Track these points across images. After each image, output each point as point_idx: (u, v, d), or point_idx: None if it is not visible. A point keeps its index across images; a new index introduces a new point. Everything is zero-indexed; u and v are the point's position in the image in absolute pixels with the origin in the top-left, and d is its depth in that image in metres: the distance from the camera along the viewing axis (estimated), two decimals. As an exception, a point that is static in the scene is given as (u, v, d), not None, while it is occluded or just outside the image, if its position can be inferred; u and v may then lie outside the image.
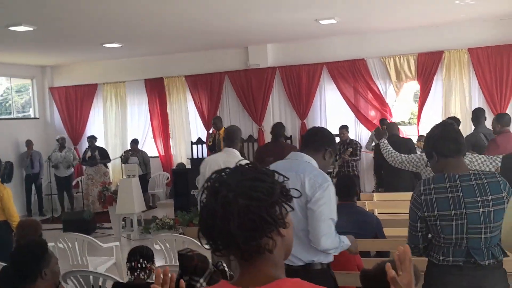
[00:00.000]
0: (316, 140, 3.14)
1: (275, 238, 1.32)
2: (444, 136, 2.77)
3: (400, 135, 8.05)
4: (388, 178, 7.46)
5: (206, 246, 1.37)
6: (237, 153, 5.19)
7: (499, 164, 4.03)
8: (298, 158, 3.04)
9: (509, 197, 2.61)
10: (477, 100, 10.30)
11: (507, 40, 9.87)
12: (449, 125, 2.86)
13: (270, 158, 5.19)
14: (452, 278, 2.66)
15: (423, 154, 4.37)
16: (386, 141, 5.01)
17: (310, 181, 2.88)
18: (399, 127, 9.86)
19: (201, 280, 2.25)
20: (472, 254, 2.63)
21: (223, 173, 1.37)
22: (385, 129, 5.18)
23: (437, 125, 2.93)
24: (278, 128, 6.71)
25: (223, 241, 1.31)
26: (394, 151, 4.82)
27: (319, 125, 11.33)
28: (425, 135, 7.90)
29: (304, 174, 2.91)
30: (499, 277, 2.67)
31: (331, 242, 2.90)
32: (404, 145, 7.14)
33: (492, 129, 6.45)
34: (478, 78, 10.22)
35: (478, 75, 10.21)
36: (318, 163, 3.06)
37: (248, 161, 4.77)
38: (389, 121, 10.20)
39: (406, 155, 4.74)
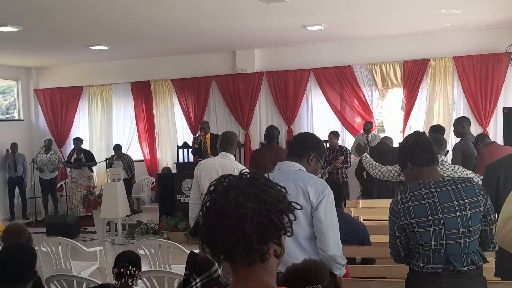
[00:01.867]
0: (300, 146, 3.16)
1: (282, 245, 1.34)
2: (418, 146, 2.82)
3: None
4: (370, 184, 7.51)
5: (206, 250, 1.35)
6: (233, 157, 5.16)
7: (470, 175, 4.09)
8: (290, 167, 3.06)
9: (485, 200, 2.66)
10: (462, 109, 10.41)
11: (491, 49, 10.00)
12: (422, 135, 2.92)
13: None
14: (431, 285, 2.68)
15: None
16: (368, 156, 5.01)
17: (312, 189, 2.94)
18: (382, 134, 9.98)
19: (198, 279, 2.25)
20: (451, 261, 2.66)
21: (232, 177, 1.37)
22: (366, 144, 5.18)
23: (410, 135, 2.98)
24: (272, 131, 6.59)
25: (233, 244, 1.29)
26: (375, 163, 4.83)
27: (306, 131, 11.45)
28: None
29: (304, 182, 2.96)
30: (478, 284, 2.70)
31: (338, 248, 3.01)
32: (392, 152, 7.20)
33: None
34: (463, 86, 10.33)
35: (463, 84, 10.33)
36: (306, 169, 3.07)
37: (244, 167, 4.77)
38: (371, 122, 10.32)
39: (388, 166, 4.76)
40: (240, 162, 7.66)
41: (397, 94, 11.14)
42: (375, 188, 7.17)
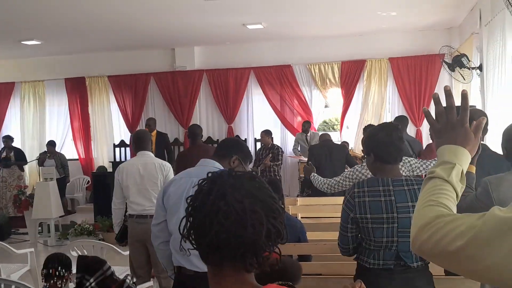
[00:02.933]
0: (223, 148, 3.21)
1: (279, 252, 1.31)
2: (388, 142, 2.78)
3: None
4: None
5: (193, 251, 1.31)
6: (152, 154, 5.11)
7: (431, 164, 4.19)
8: (209, 165, 3.04)
9: None
10: (397, 109, 10.73)
11: (425, 50, 10.34)
12: (395, 130, 2.86)
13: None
14: (383, 281, 2.71)
15: (349, 171, 4.49)
16: (315, 175, 4.98)
17: None
18: (320, 133, 10.11)
19: (91, 280, 2.19)
20: (401, 257, 2.70)
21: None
22: (311, 165, 5.20)
23: (382, 126, 2.95)
24: (194, 129, 6.51)
25: (241, 251, 1.23)
26: (322, 179, 4.81)
27: (246, 130, 11.47)
28: (347, 141, 8.03)
29: None
30: (426, 278, 2.77)
31: None
32: (341, 149, 7.32)
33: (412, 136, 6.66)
34: (398, 87, 10.65)
35: (398, 84, 10.64)
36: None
37: (167, 163, 4.64)
38: (309, 122, 10.47)
39: (335, 178, 4.77)
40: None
41: (334, 93, 11.33)
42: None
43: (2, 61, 12.35)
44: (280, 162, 9.46)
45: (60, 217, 9.10)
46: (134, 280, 2.34)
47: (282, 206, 1.33)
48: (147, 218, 4.82)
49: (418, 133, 10.41)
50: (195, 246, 1.29)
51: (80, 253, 5.24)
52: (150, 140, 5.20)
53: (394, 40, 10.55)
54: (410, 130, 10.08)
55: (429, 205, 1.28)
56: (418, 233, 1.22)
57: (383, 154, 2.78)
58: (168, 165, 5.02)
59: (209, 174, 1.31)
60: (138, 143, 5.06)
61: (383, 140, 2.79)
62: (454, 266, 1.16)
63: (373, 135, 2.88)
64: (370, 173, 4.51)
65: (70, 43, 10.47)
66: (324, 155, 7.35)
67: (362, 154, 4.76)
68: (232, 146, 3.21)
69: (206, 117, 11.64)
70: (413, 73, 10.52)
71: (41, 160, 10.61)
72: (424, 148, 6.30)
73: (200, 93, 11.58)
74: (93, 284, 2.15)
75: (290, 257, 3.87)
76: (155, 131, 9.60)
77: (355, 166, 4.68)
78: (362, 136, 7.25)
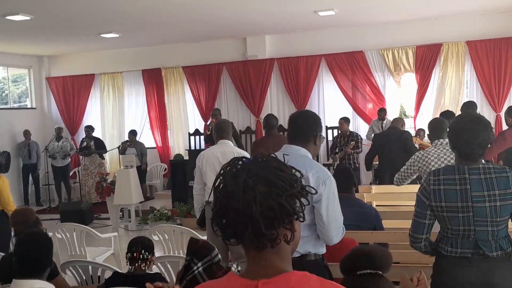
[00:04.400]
0: (304, 129, 3.04)
1: (293, 230, 1.31)
2: (474, 143, 2.69)
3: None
4: (382, 170, 7.47)
5: (218, 233, 1.34)
6: (231, 143, 5.24)
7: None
8: (293, 152, 2.93)
9: None
10: (475, 94, 10.32)
11: (505, 33, 9.87)
12: (482, 128, 2.72)
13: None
14: (460, 269, 2.67)
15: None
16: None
17: (313, 178, 2.84)
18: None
19: (199, 264, 2.28)
20: (480, 246, 2.65)
21: (245, 160, 1.35)
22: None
23: (466, 122, 2.79)
24: (270, 120, 6.59)
25: (241, 227, 1.28)
26: (396, 176, 4.78)
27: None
28: (423, 129, 7.79)
29: (306, 170, 2.83)
30: (507, 268, 2.69)
31: (339, 236, 2.95)
32: (399, 137, 7.18)
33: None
34: (477, 71, 10.23)
35: (476, 68, 10.22)
36: (311, 152, 3.03)
37: (246, 152, 4.69)
38: (385, 109, 10.27)
39: (401, 169, 4.72)
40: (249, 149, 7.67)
41: (410, 78, 11.04)
42: (387, 174, 7.14)
43: (82, 54, 12.96)
44: (360, 149, 9.32)
45: (140, 203, 9.48)
46: (239, 268, 2.45)
47: (294, 182, 1.32)
48: None
49: (498, 119, 9.96)
50: (225, 228, 1.34)
51: (161, 238, 5.48)
52: (230, 130, 5.34)
53: (472, 23, 10.12)
54: (490, 115, 9.70)
55: None
56: None
57: (466, 151, 2.71)
58: (247, 155, 5.13)
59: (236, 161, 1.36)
60: (219, 132, 5.23)
61: (471, 133, 2.69)
62: None
63: (460, 127, 2.77)
64: (431, 157, 4.43)
65: (146, 35, 10.82)
66: (384, 144, 7.27)
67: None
68: (313, 124, 3.07)
69: (277, 105, 11.69)
70: (493, 57, 10.06)
71: (123, 149, 11.09)
72: (497, 136, 6.01)
73: (271, 81, 11.63)
74: (200, 269, 2.25)
75: (378, 245, 3.87)
76: (219, 120, 9.76)
77: (416, 153, 4.60)
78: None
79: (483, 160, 4.18)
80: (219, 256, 2.43)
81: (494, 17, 9.94)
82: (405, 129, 7.75)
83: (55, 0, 7.49)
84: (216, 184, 1.35)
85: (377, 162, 7.94)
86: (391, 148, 7.15)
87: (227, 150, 5.12)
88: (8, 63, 12.70)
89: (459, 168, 2.69)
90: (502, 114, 9.86)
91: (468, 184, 2.65)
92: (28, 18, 8.30)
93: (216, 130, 5.28)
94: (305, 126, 3.05)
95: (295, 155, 2.90)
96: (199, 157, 5.23)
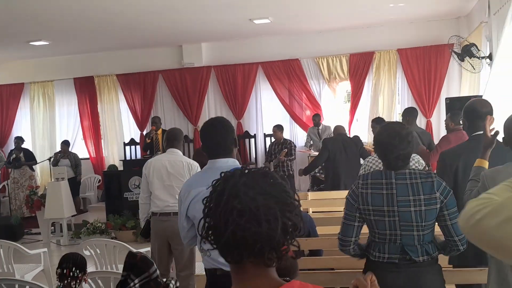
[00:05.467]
0: (225, 140, 2.86)
1: (297, 245, 1.34)
2: (394, 149, 2.74)
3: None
4: (337, 177, 7.41)
5: (212, 247, 1.32)
6: (180, 153, 5.13)
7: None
8: (224, 165, 2.77)
9: (443, 197, 2.66)
10: (406, 100, 10.65)
11: (434, 41, 10.25)
12: (403, 135, 2.76)
13: None
14: (389, 274, 2.69)
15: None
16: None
17: None
18: (332, 125, 10.03)
19: (136, 280, 2.19)
20: (406, 251, 2.69)
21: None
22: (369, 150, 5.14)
23: (388, 131, 2.84)
24: None
25: (259, 247, 1.25)
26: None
27: (255, 125, 11.42)
28: (358, 135, 7.90)
29: None
30: (434, 272, 2.74)
31: None
32: (356, 144, 7.28)
33: (445, 126, 6.48)
34: (407, 78, 10.57)
35: (407, 76, 10.56)
36: (235, 157, 2.95)
37: (194, 162, 4.46)
38: (319, 115, 10.42)
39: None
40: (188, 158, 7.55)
41: (343, 86, 11.27)
42: (342, 179, 7.17)
43: (10, 62, 12.42)
44: (293, 157, 9.45)
45: (72, 216, 9.16)
46: (178, 284, 2.35)
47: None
48: (171, 215, 4.90)
49: (429, 125, 10.34)
50: (214, 246, 1.32)
51: (93, 252, 5.27)
52: (181, 139, 5.22)
53: (402, 31, 10.46)
54: (421, 121, 10.00)
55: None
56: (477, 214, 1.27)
57: (390, 161, 2.76)
58: (195, 165, 5.03)
59: (222, 174, 1.34)
60: (170, 139, 5.12)
61: (388, 147, 2.75)
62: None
63: (380, 140, 2.83)
64: (372, 166, 4.51)
65: (77, 43, 10.50)
66: (338, 149, 7.29)
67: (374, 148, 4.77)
68: (232, 133, 2.92)
69: (215, 113, 11.62)
70: (422, 64, 10.43)
71: (55, 160, 10.69)
72: (440, 139, 6.22)
73: (208, 89, 11.58)
74: (137, 285, 2.15)
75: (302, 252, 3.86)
76: (160, 129, 9.63)
77: (367, 158, 4.67)
78: (372, 129, 7.19)
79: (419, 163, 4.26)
80: (157, 272, 2.34)
81: (423, 25, 10.32)
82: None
83: (-22, 6, 7.13)
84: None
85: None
86: (348, 154, 7.20)
87: (177, 159, 5.02)
88: None
89: (386, 173, 2.74)
90: (432, 119, 10.27)
91: (394, 188, 2.69)
92: None
93: (167, 138, 5.15)
94: (223, 139, 2.87)
95: (228, 168, 2.79)
96: (146, 165, 5.11)
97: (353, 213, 2.79)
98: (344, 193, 5.64)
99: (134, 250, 5.23)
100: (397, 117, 10.40)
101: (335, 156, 7.21)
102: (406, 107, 9.10)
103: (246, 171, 1.33)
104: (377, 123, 6.65)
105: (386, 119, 8.14)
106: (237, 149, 3.00)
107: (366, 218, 2.76)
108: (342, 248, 2.88)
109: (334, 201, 5.69)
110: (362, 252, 2.88)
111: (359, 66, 10.73)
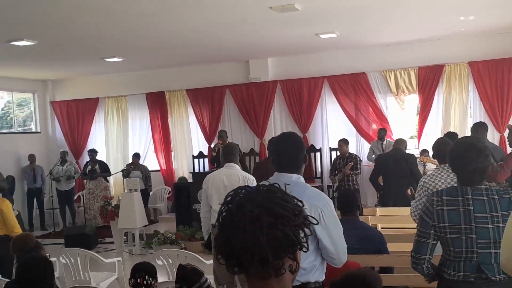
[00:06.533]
0: (295, 157, 2.91)
1: (297, 260, 1.33)
2: (468, 165, 2.71)
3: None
4: (386, 192, 7.37)
5: (222, 261, 1.36)
6: (238, 167, 5.24)
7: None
8: (287, 180, 2.80)
9: None
10: (478, 114, 10.32)
11: (506, 53, 9.91)
12: (478, 151, 2.74)
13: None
14: None
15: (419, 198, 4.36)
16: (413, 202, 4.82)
17: (310, 205, 2.73)
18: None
19: None
20: (483, 269, 2.63)
21: (249, 189, 1.36)
22: (412, 190, 5.00)
23: (460, 144, 2.86)
24: (269, 143, 6.62)
25: (247, 257, 1.28)
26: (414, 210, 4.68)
27: (321, 139, 11.40)
28: (427, 149, 7.67)
29: (303, 199, 2.78)
30: None
31: (345, 253, 2.90)
32: (406, 160, 7.13)
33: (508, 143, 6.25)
34: (479, 91, 10.25)
35: (478, 89, 10.24)
36: (301, 174, 2.98)
37: (251, 176, 4.56)
38: (385, 129, 10.28)
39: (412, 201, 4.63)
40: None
41: (412, 100, 11.06)
42: (391, 197, 7.10)
43: (86, 78, 13.07)
44: (359, 171, 9.38)
45: (144, 226, 9.46)
46: None
47: (298, 212, 1.34)
48: None
49: (502, 140, 9.95)
50: (230, 257, 1.35)
51: (165, 262, 5.45)
52: (238, 153, 5.36)
53: (473, 43, 10.17)
54: (494, 136, 9.68)
55: None
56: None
57: (465, 175, 2.72)
58: (251, 178, 5.14)
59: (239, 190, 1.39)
60: (226, 154, 5.27)
61: (464, 160, 2.71)
62: None
63: (456, 154, 2.79)
64: (438, 182, 4.40)
65: (150, 59, 10.92)
66: (388, 166, 7.19)
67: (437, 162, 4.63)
68: (302, 148, 2.96)
69: (280, 127, 11.72)
70: (495, 77, 10.08)
71: (126, 172, 11.11)
72: (507, 156, 5.97)
73: (274, 103, 11.69)
74: None
75: (371, 268, 3.84)
76: (227, 143, 9.81)
77: (421, 179, 4.48)
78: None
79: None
80: (208, 282, 2.42)
81: (494, 37, 10.00)
82: (410, 152, 7.71)
83: (59, 26, 7.58)
84: (220, 212, 1.36)
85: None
86: (396, 170, 7.10)
87: (233, 173, 5.14)
88: (12, 88, 12.80)
89: (462, 189, 2.70)
90: (506, 134, 9.88)
91: (471, 205, 2.64)
92: (32, 43, 8.41)
93: (224, 153, 5.31)
94: (295, 154, 2.93)
95: (291, 183, 2.84)
96: (205, 180, 5.26)
97: (428, 231, 2.75)
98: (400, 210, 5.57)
99: (205, 261, 5.38)
100: (469, 131, 10.09)
101: (384, 173, 7.16)
102: (477, 121, 8.83)
103: (261, 187, 1.37)
104: (450, 137, 6.49)
105: (459, 134, 7.92)
106: (305, 165, 3.03)
107: (441, 236, 2.72)
108: (415, 266, 2.86)
109: (404, 218, 5.59)
110: (435, 272, 2.84)
111: (428, 79, 10.51)
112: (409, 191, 6.92)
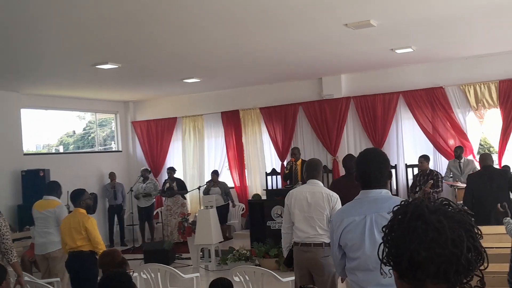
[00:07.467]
0: (382, 174, 2.86)
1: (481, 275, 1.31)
2: None
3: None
4: (481, 210, 7.04)
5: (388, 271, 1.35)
6: (321, 184, 5.19)
7: None
8: (378, 196, 2.81)
9: None
10: None
11: None
12: None
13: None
14: None
15: None
16: (509, 219, 4.65)
17: None
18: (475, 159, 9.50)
19: None
20: None
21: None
22: (505, 207, 4.78)
23: None
24: (349, 161, 6.43)
25: (433, 266, 1.24)
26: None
27: (396, 155, 11.13)
28: (509, 165, 7.33)
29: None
30: None
31: None
32: (503, 175, 6.85)
33: None
34: None
35: None
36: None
37: (334, 193, 4.48)
38: (462, 147, 9.90)
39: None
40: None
41: (492, 115, 10.60)
42: (492, 214, 6.76)
43: (165, 98, 13.57)
44: (440, 189, 9.05)
45: (219, 243, 9.61)
46: None
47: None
48: (311, 246, 4.97)
49: None
50: (393, 267, 1.32)
51: (242, 279, 5.52)
52: (321, 170, 5.28)
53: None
54: None
55: None
56: None
57: None
58: (335, 196, 5.02)
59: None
60: (310, 171, 5.19)
61: None
62: None
63: None
64: None
65: (225, 79, 11.19)
66: (483, 183, 6.89)
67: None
68: (387, 167, 2.91)
69: (354, 144, 11.60)
70: None
71: (206, 189, 11.43)
72: None
73: (347, 120, 11.59)
74: None
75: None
76: (300, 160, 9.83)
77: None
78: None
79: None
80: None
81: None
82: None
83: (141, 50, 7.94)
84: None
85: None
86: (493, 186, 6.83)
87: (317, 190, 5.06)
88: (96, 109, 13.50)
89: None
90: None
91: None
92: (116, 66, 8.84)
93: (307, 169, 5.23)
94: (381, 170, 2.88)
95: (382, 199, 2.81)
96: (288, 196, 5.22)
97: None
98: (496, 228, 5.30)
99: (283, 279, 5.39)
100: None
101: (479, 191, 6.85)
102: None
103: (428, 201, 1.33)
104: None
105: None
106: (390, 181, 2.99)
107: None
108: None
109: (486, 237, 5.32)
110: None
111: (510, 93, 10.06)
112: (499, 207, 6.61)
